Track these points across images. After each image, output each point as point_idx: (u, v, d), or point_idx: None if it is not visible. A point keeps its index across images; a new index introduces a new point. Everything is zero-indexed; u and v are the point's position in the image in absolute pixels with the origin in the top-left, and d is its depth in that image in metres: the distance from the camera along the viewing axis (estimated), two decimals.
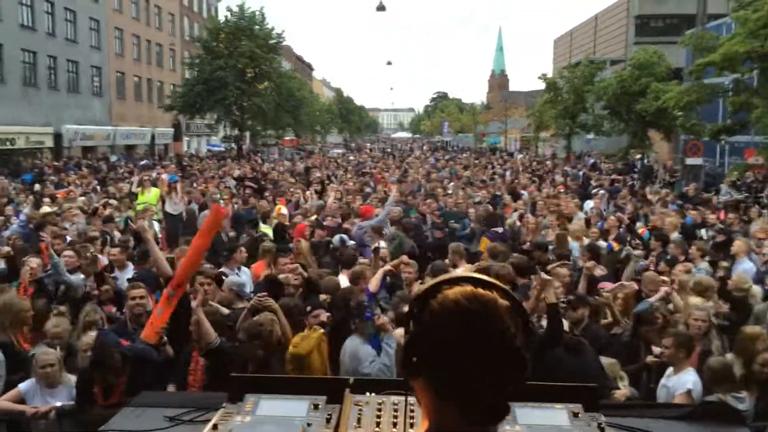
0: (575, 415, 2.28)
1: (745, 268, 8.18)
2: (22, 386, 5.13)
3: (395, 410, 2.30)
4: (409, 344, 1.28)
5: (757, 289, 6.93)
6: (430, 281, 1.36)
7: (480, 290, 1.26)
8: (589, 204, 14.59)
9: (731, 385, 4.66)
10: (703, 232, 10.93)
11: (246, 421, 2.27)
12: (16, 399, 5.06)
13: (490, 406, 1.24)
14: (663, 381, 5.07)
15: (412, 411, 2.30)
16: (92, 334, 5.45)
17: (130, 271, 8.21)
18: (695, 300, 6.23)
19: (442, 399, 1.24)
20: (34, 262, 7.13)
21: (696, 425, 2.57)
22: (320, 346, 5.12)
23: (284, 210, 12.36)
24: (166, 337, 5.16)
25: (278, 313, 5.17)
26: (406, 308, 1.33)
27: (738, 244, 8.75)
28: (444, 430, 1.25)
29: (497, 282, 1.31)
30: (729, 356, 5.27)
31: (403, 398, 2.37)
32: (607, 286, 6.92)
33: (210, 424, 2.28)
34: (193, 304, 4.96)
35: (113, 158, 33.89)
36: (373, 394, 2.43)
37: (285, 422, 2.22)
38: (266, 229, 11.00)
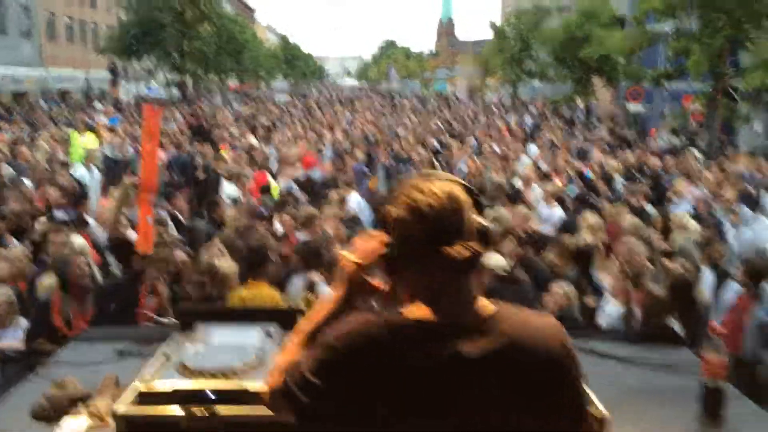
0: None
1: (685, 207, 8.51)
2: None
3: None
4: (386, 245, 1.48)
5: (694, 224, 7.22)
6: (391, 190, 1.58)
7: (431, 181, 1.47)
8: (533, 149, 14.81)
9: (667, 314, 4.88)
10: None
11: (198, 349, 2.24)
12: None
13: (458, 262, 1.42)
14: (604, 307, 5.25)
15: None
16: (50, 275, 5.26)
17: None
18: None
19: (424, 270, 1.44)
20: None
21: (639, 346, 2.68)
22: None
23: None
24: None
25: None
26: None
27: (679, 185, 9.06)
28: (431, 291, 1.46)
29: (443, 174, 1.53)
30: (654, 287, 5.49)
31: None
32: None
33: (160, 353, 2.24)
34: None
35: (42, 103, 32.28)
36: None
37: (238, 350, 2.20)
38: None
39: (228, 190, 9.90)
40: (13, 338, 4.89)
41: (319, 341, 1.46)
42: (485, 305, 1.49)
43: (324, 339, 1.46)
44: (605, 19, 25.37)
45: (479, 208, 1.51)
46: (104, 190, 10.75)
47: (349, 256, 1.57)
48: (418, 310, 1.45)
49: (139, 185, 4.85)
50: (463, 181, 1.52)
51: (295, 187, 9.65)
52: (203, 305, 2.66)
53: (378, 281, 1.61)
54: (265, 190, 9.59)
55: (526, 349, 1.42)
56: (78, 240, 6.52)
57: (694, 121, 21.81)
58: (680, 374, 2.37)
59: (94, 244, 6.55)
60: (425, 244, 1.42)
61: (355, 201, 8.69)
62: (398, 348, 1.39)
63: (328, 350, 1.43)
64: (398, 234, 1.46)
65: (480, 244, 1.45)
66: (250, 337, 2.31)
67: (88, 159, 11.27)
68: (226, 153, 12.19)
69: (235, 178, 9.87)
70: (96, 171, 11.24)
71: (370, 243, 1.54)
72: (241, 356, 2.14)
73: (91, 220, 7.48)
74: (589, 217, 6.86)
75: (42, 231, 6.46)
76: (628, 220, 7.10)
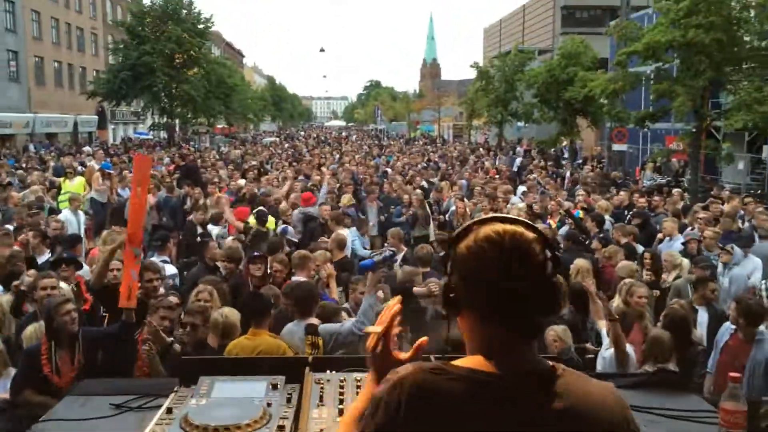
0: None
1: (676, 246, 8.56)
2: None
3: (358, 387, 2.25)
4: (448, 284, 1.44)
5: (686, 263, 7.24)
6: (462, 225, 1.51)
7: (507, 225, 1.41)
8: (521, 189, 14.90)
9: (666, 357, 4.84)
10: None
11: (202, 403, 2.18)
12: None
13: (526, 324, 1.39)
14: (603, 354, 5.20)
15: None
16: (34, 324, 5.15)
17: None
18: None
19: (483, 322, 1.40)
20: None
21: (648, 394, 2.64)
22: None
23: None
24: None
25: None
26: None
27: (668, 225, 9.12)
28: (490, 345, 1.39)
29: (521, 218, 1.46)
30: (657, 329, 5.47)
31: (365, 375, 2.32)
32: None
33: (163, 408, 2.17)
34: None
35: (31, 147, 32.23)
36: (333, 372, 2.38)
37: (244, 403, 2.13)
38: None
39: (214, 231, 9.84)
40: (4, 390, 4.75)
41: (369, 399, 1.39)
42: (542, 362, 1.42)
43: (372, 395, 1.38)
44: (588, 62, 25.88)
45: (555, 262, 1.41)
46: (88, 233, 10.68)
47: (372, 328, 1.56)
48: (470, 361, 1.39)
49: (125, 238, 4.76)
50: (542, 231, 1.44)
51: (290, 230, 9.55)
52: (206, 357, 2.59)
53: (400, 354, 1.58)
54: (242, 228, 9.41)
55: (587, 417, 1.34)
56: (64, 286, 6.42)
57: (678, 160, 22.13)
58: (694, 423, 2.32)
59: (87, 287, 6.43)
60: (492, 287, 1.36)
61: (348, 244, 8.67)
62: (450, 398, 1.30)
63: (376, 405, 1.34)
64: (463, 275, 1.41)
65: (549, 296, 1.38)
66: (255, 389, 2.25)
67: (73, 203, 11.18)
68: (217, 196, 12.10)
69: (220, 219, 9.84)
70: (81, 214, 11.15)
71: (388, 309, 1.56)
72: (247, 410, 2.07)
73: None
74: (581, 264, 6.83)
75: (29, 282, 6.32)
76: (622, 263, 7.12)
